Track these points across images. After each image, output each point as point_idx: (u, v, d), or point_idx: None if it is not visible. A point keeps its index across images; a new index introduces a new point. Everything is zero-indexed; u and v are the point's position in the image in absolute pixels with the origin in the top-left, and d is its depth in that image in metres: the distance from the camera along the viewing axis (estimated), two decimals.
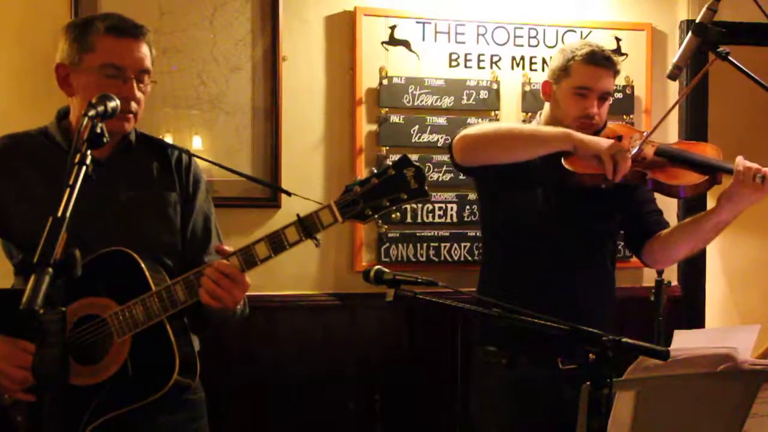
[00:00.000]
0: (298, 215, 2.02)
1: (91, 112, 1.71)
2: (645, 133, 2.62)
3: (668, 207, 3.13)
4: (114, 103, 1.80)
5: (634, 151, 2.48)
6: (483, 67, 3.50)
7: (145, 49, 2.14)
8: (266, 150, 3.32)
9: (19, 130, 3.11)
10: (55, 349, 1.39)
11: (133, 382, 2.01)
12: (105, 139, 1.67)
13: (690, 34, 2.46)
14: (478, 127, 2.64)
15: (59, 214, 1.50)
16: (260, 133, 3.32)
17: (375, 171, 2.05)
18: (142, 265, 2.03)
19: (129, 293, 2.01)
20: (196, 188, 2.28)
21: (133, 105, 2.10)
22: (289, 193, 2.24)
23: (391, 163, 2.02)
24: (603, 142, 2.45)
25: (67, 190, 1.55)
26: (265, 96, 3.31)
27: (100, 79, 2.07)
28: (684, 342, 1.92)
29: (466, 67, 3.48)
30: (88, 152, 1.62)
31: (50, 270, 1.38)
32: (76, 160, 1.59)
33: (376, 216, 2.01)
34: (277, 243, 2.01)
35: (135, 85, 2.09)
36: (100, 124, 1.67)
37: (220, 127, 3.28)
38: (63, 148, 2.16)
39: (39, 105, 3.16)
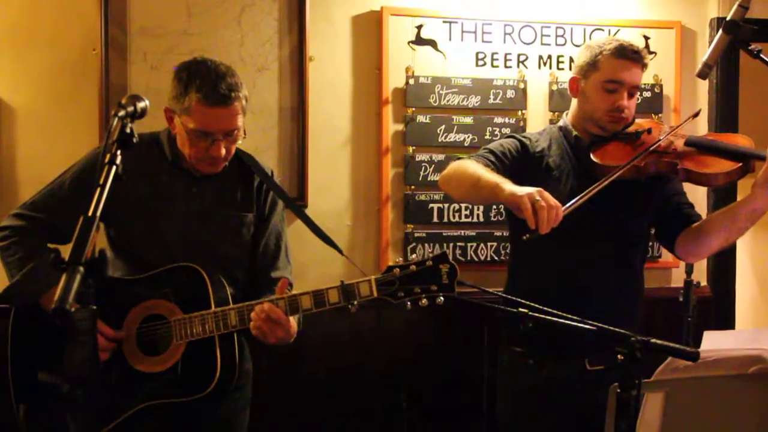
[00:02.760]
0: (342, 281, 2.19)
1: (121, 113, 1.72)
2: (671, 127, 2.62)
3: (698, 201, 3.10)
4: (143, 104, 1.82)
5: (663, 141, 2.48)
6: (510, 67, 3.49)
7: (235, 111, 2.26)
8: (293, 150, 3.33)
9: (51, 129, 3.19)
10: (86, 346, 1.41)
11: (180, 380, 2.23)
12: (135, 139, 1.69)
13: (720, 31, 2.43)
14: (451, 168, 2.58)
15: (89, 213, 1.51)
16: (287, 133, 3.34)
17: (417, 259, 2.18)
18: (208, 284, 2.27)
19: (193, 305, 2.26)
20: (273, 210, 2.47)
21: (222, 158, 2.29)
22: (341, 252, 2.41)
23: (431, 256, 2.17)
24: (522, 191, 2.29)
25: (98, 190, 1.56)
26: (292, 96, 3.33)
27: (191, 137, 2.26)
28: (714, 343, 1.90)
29: (492, 66, 3.47)
30: (118, 152, 1.64)
31: (81, 269, 1.40)
32: (107, 159, 1.61)
33: (407, 300, 2.15)
34: (319, 300, 2.19)
35: (222, 144, 2.26)
36: (129, 125, 1.69)
37: (247, 127, 3.24)
38: (167, 158, 2.36)
39: (69, 105, 3.23)
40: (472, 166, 2.49)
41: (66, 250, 1.60)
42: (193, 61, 2.32)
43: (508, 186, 2.34)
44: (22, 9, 3.18)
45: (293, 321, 2.23)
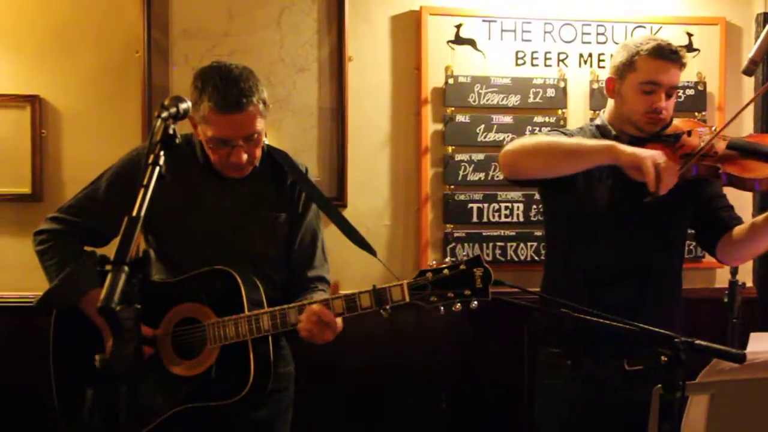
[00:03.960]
0: (374, 286, 2.16)
1: (164, 114, 1.73)
2: (713, 128, 2.55)
3: (743, 204, 3.05)
4: (185, 105, 1.83)
5: (707, 145, 2.41)
6: (550, 65, 3.46)
7: (250, 116, 2.22)
8: (332, 150, 3.35)
9: (95, 130, 3.24)
10: (131, 344, 1.43)
11: (214, 384, 2.23)
12: (177, 140, 1.70)
13: (767, 27, 2.39)
14: (519, 141, 2.57)
15: (134, 214, 1.53)
16: (326, 133, 3.35)
17: (449, 262, 2.14)
18: (242, 288, 2.25)
19: (226, 309, 2.24)
20: (307, 208, 2.45)
21: (244, 163, 2.27)
22: (374, 254, 2.35)
23: (464, 259, 2.12)
24: (645, 153, 2.34)
25: (141, 190, 1.58)
26: (331, 96, 3.34)
27: (211, 144, 2.26)
28: (760, 345, 1.87)
29: (532, 65, 3.46)
30: (161, 153, 1.65)
31: (126, 269, 1.41)
32: (150, 160, 1.62)
33: (440, 305, 2.11)
34: (351, 304, 2.17)
35: (242, 150, 2.25)
36: (172, 126, 1.70)
37: (287, 128, 3.32)
38: (199, 160, 2.36)
39: (112, 107, 3.28)
40: (553, 137, 2.47)
41: (103, 253, 1.63)
42: (207, 67, 2.29)
43: (625, 147, 2.34)
44: (67, 13, 3.24)
45: (339, 321, 2.22)
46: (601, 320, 2.01)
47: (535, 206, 3.43)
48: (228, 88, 2.19)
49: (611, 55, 2.69)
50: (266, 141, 2.37)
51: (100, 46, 3.26)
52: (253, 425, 2.37)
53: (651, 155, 2.31)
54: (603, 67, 3.46)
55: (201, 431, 2.32)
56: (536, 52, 3.45)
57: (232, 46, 3.28)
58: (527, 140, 2.54)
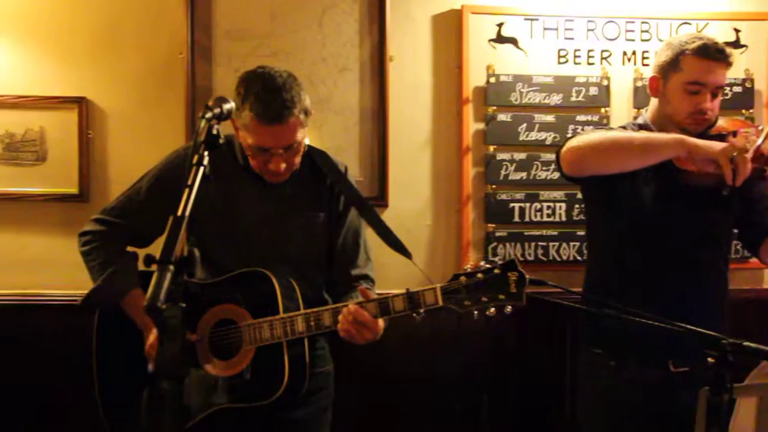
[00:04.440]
0: (407, 289, 2.16)
1: (208, 115, 1.75)
2: (760, 128, 2.49)
3: None
4: (229, 106, 1.86)
5: (755, 147, 2.36)
6: (593, 63, 3.43)
7: (291, 127, 2.22)
8: (374, 149, 3.35)
9: (140, 131, 3.29)
10: (177, 342, 1.45)
11: (249, 385, 2.25)
12: (221, 141, 1.72)
13: None
14: (585, 137, 2.51)
15: (179, 213, 1.55)
16: (368, 132, 3.36)
17: (484, 266, 2.14)
18: (277, 290, 2.26)
19: (262, 310, 2.26)
20: (348, 206, 2.45)
21: (282, 171, 2.29)
22: (409, 256, 2.36)
23: (498, 263, 2.11)
24: (718, 145, 2.32)
25: (186, 190, 1.60)
26: (372, 96, 3.35)
27: (251, 151, 2.28)
28: None
29: (575, 63, 3.42)
30: (205, 153, 1.67)
31: (172, 268, 1.43)
32: (195, 161, 1.64)
33: (473, 309, 2.11)
34: (384, 307, 2.19)
35: (281, 158, 2.26)
36: (216, 126, 1.72)
37: (328, 127, 3.33)
38: (239, 161, 2.37)
39: (157, 107, 3.32)
40: (617, 132, 2.44)
41: (144, 254, 1.65)
42: (251, 73, 2.28)
43: (696, 140, 2.32)
44: (114, 16, 3.29)
45: (381, 322, 2.22)
46: (647, 321, 1.99)
47: (577, 206, 3.40)
48: (270, 99, 2.18)
49: (655, 53, 2.65)
50: (306, 141, 2.38)
51: (145, 48, 3.30)
52: (291, 425, 2.38)
53: (724, 147, 2.27)
54: (647, 65, 3.41)
55: (238, 431, 2.34)
56: (579, 50, 3.42)
57: (275, 47, 3.30)
58: (591, 136, 2.49)
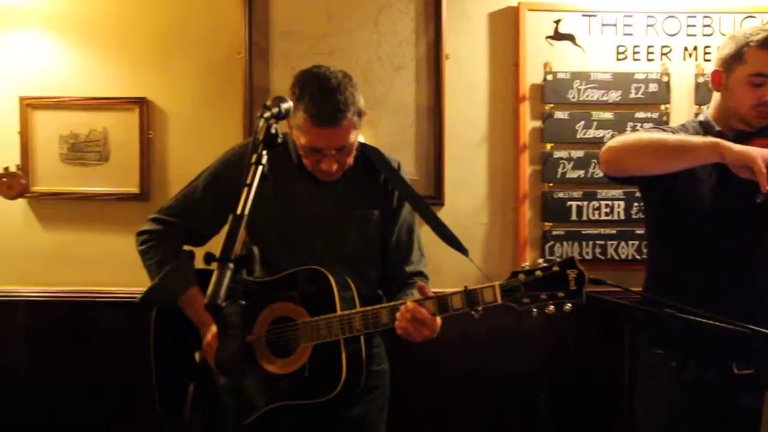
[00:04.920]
0: (465, 287, 2.14)
1: (266, 114, 1.77)
2: None
3: None
4: (287, 105, 1.87)
5: None
6: (652, 59, 3.37)
7: (344, 129, 2.23)
8: (429, 148, 3.35)
9: (199, 130, 3.34)
10: (236, 340, 1.46)
11: (307, 383, 2.25)
12: (279, 140, 1.74)
13: None
14: (622, 138, 2.49)
15: (238, 212, 1.57)
16: (424, 131, 3.36)
17: (543, 263, 2.11)
18: (334, 287, 2.27)
19: (319, 308, 2.27)
20: (401, 203, 2.44)
21: (333, 171, 2.30)
22: (466, 253, 2.34)
23: (558, 260, 2.09)
24: (755, 150, 2.25)
25: (245, 189, 1.61)
26: (428, 94, 3.35)
27: (303, 150, 2.30)
28: None
29: (634, 59, 3.37)
30: (264, 153, 1.68)
31: (231, 266, 1.45)
32: (253, 160, 1.66)
33: (532, 306, 2.09)
34: (443, 305, 2.17)
35: (333, 159, 2.27)
36: (274, 126, 1.74)
37: (384, 126, 3.34)
38: (293, 159, 2.38)
39: (215, 107, 3.38)
40: (655, 134, 2.40)
41: (201, 252, 1.68)
42: (306, 73, 2.28)
43: (732, 144, 2.27)
44: (173, 18, 3.36)
45: (438, 319, 2.20)
46: (710, 321, 1.95)
47: (636, 204, 3.35)
48: (324, 101, 2.19)
49: (718, 47, 2.59)
50: (360, 138, 2.38)
51: (204, 49, 3.36)
52: (348, 423, 2.38)
53: (761, 153, 2.21)
54: (709, 61, 3.34)
55: (295, 428, 2.35)
56: (638, 46, 3.37)
57: (331, 46, 3.32)
58: (628, 137, 2.48)
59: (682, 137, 2.41)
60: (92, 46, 3.36)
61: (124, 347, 3.22)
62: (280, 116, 1.84)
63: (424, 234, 2.51)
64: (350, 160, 2.33)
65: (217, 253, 1.48)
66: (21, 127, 3.33)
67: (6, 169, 1.69)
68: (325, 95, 2.19)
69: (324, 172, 2.30)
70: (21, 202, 3.33)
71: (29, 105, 3.34)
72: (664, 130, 2.53)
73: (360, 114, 2.26)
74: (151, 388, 2.42)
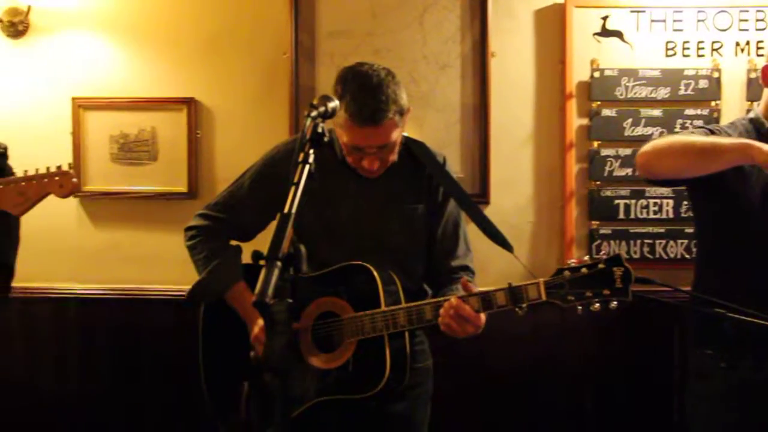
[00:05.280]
0: (509, 284, 2.13)
1: (313, 113, 1.78)
2: None
3: None
4: (333, 104, 1.88)
5: None
6: (702, 55, 3.32)
7: (386, 129, 2.21)
8: (475, 146, 3.34)
9: (245, 129, 3.38)
10: (284, 337, 1.47)
11: (351, 378, 2.25)
12: (325, 138, 1.74)
13: None
14: (656, 141, 2.46)
15: (286, 210, 1.57)
16: (469, 129, 3.35)
17: (588, 260, 2.09)
18: (379, 283, 2.26)
19: (363, 303, 2.27)
20: (447, 197, 2.43)
21: (375, 169, 2.30)
22: (511, 250, 2.33)
23: (604, 257, 2.07)
24: None
25: (293, 188, 1.62)
26: (474, 92, 3.34)
27: (345, 148, 2.30)
28: None
29: (683, 55, 3.32)
30: (311, 151, 1.69)
31: (279, 263, 1.46)
32: (300, 158, 1.67)
33: (577, 304, 2.07)
34: (486, 302, 2.16)
35: (375, 157, 2.27)
36: (321, 124, 1.74)
37: (429, 125, 3.34)
38: (337, 155, 2.38)
39: (262, 106, 3.41)
40: (692, 136, 2.37)
41: (247, 248, 1.69)
42: (348, 70, 2.27)
43: (763, 145, 2.22)
44: (221, 18, 3.40)
45: (483, 316, 2.20)
46: (761, 321, 1.92)
47: (685, 202, 3.30)
48: (365, 100, 2.17)
49: None
50: (405, 133, 2.38)
51: (251, 49, 3.39)
52: (391, 418, 2.38)
53: None
54: (762, 55, 3.28)
55: (339, 423, 2.36)
56: (688, 41, 3.32)
57: (376, 45, 3.33)
58: (661, 140, 2.45)
59: (714, 139, 2.37)
60: (142, 47, 3.41)
61: (174, 343, 3.27)
62: (326, 115, 1.84)
63: (470, 231, 2.50)
64: (393, 158, 2.33)
65: (265, 250, 1.49)
66: (73, 128, 3.40)
67: (58, 167, 1.72)
68: (365, 94, 2.18)
69: (366, 170, 2.31)
70: (73, 202, 3.41)
71: (81, 106, 3.40)
72: (711, 131, 2.49)
73: (402, 112, 2.24)
74: (200, 385, 2.45)
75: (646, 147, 2.48)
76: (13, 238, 2.01)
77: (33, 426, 3.46)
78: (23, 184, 1.73)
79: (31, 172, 1.82)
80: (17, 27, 3.33)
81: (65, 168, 1.74)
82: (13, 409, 3.41)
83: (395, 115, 2.21)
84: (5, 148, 2.05)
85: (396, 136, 2.26)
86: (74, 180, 1.75)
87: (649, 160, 2.45)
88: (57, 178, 1.73)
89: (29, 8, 3.34)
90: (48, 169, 1.74)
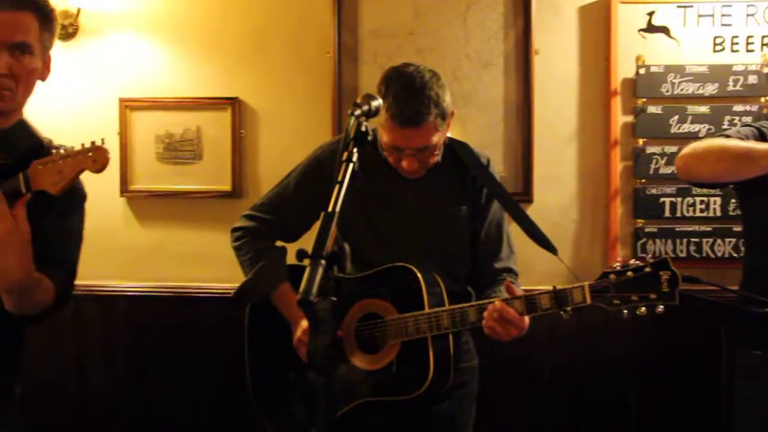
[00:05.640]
0: (554, 287, 2.12)
1: (357, 112, 1.78)
2: None
3: None
4: (377, 103, 1.88)
5: None
6: (752, 50, 3.26)
7: (426, 130, 2.21)
8: (518, 145, 3.32)
9: (289, 128, 3.40)
10: (327, 336, 1.48)
11: (394, 379, 2.26)
12: (369, 137, 1.74)
13: None
14: (696, 144, 2.45)
15: (330, 209, 1.58)
16: (512, 127, 3.33)
17: (634, 263, 2.07)
18: (423, 285, 2.26)
19: (407, 305, 2.27)
20: (491, 198, 2.42)
21: (414, 170, 2.30)
22: (555, 252, 2.31)
23: (650, 261, 2.05)
24: None
25: (337, 186, 1.63)
26: (517, 90, 3.32)
27: (386, 148, 2.30)
28: None
29: (732, 51, 3.27)
30: (355, 150, 1.69)
31: (323, 262, 1.46)
32: (344, 157, 1.67)
33: (623, 308, 2.05)
34: (531, 305, 2.16)
35: (415, 159, 2.27)
36: (365, 123, 1.74)
37: (473, 123, 3.33)
38: (381, 155, 2.37)
39: (305, 106, 3.43)
40: (729, 141, 2.35)
41: (292, 248, 1.69)
42: (393, 71, 2.26)
43: None
44: (264, 19, 3.43)
45: (527, 318, 2.19)
46: None
47: (733, 200, 3.24)
48: (406, 101, 2.17)
49: None
50: (448, 134, 2.37)
51: (294, 49, 3.42)
52: (436, 419, 2.38)
53: None
54: None
55: (383, 424, 2.36)
56: (737, 36, 3.26)
57: (418, 44, 3.33)
58: (700, 144, 2.42)
59: (750, 144, 2.34)
60: (187, 48, 3.45)
61: (220, 342, 3.30)
62: (370, 114, 1.84)
63: (513, 231, 2.48)
64: (433, 160, 2.33)
65: (310, 249, 1.50)
66: (120, 128, 3.46)
67: (92, 143, 1.74)
68: (407, 95, 2.18)
69: (405, 171, 2.31)
70: (120, 201, 3.47)
71: (128, 106, 3.46)
72: (758, 129, 2.45)
73: (444, 115, 2.23)
74: (246, 384, 2.48)
75: (685, 151, 2.46)
76: (75, 238, 2.07)
77: (82, 424, 3.52)
78: (60, 162, 1.76)
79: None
80: (67, 29, 3.40)
81: (98, 143, 1.76)
82: (63, 406, 3.48)
83: (436, 118, 2.20)
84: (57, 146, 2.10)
85: (437, 139, 2.25)
86: (107, 155, 1.76)
87: (688, 165, 2.44)
88: (90, 153, 1.75)
89: (79, 11, 3.41)
90: (83, 145, 1.76)
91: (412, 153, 2.26)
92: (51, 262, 1.91)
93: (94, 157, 1.74)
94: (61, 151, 1.77)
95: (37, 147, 2.00)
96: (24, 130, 2.02)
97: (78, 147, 1.77)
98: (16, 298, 1.84)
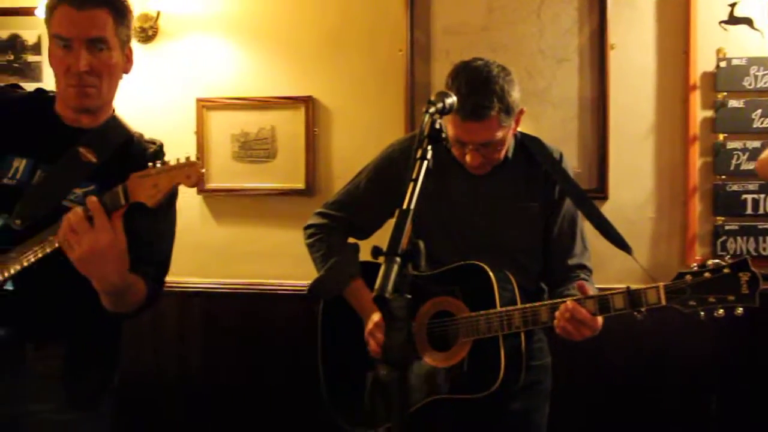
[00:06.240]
0: (628, 287, 2.09)
1: (431, 109, 1.78)
2: None
3: None
4: (451, 100, 1.87)
5: None
6: None
7: (489, 125, 2.18)
8: (593, 141, 3.27)
9: (361, 127, 3.42)
10: (402, 332, 1.48)
11: (466, 377, 2.26)
12: (443, 135, 1.74)
13: None
14: None
15: (404, 206, 1.58)
16: (587, 124, 3.28)
17: (711, 264, 2.02)
18: (494, 284, 2.25)
19: (479, 303, 2.26)
20: (563, 194, 2.39)
21: (477, 166, 2.28)
22: (629, 252, 2.28)
23: (728, 261, 2.00)
24: None
25: (411, 184, 1.63)
26: (592, 86, 3.27)
27: (451, 141, 2.28)
28: None
29: None
30: (429, 147, 1.69)
31: (398, 259, 1.47)
32: (419, 155, 1.67)
33: (699, 309, 2.01)
34: (603, 305, 2.13)
35: (478, 153, 2.25)
36: (439, 121, 1.74)
37: (546, 120, 3.29)
38: (450, 153, 2.35)
39: (377, 104, 3.44)
40: None
41: (365, 245, 1.70)
42: (461, 65, 2.25)
43: None
44: (339, 18, 3.46)
45: (600, 319, 2.16)
46: None
47: None
48: (469, 94, 2.15)
49: None
50: (519, 130, 2.35)
51: (368, 47, 3.43)
52: (508, 417, 2.37)
53: None
54: None
55: (454, 421, 2.36)
56: None
57: (492, 40, 3.31)
58: None
59: None
60: (262, 49, 3.50)
61: (294, 337, 3.34)
62: (444, 111, 1.83)
63: (587, 228, 2.45)
64: (498, 156, 2.31)
65: (384, 247, 1.50)
66: (197, 127, 3.53)
67: (187, 158, 1.81)
68: (471, 88, 2.16)
69: (469, 165, 2.29)
70: (197, 198, 3.54)
71: (204, 106, 3.53)
72: None
73: (509, 111, 2.20)
74: (317, 378, 2.50)
75: (764, 155, 2.41)
76: (167, 236, 2.18)
77: (158, 418, 3.61)
78: (156, 175, 1.83)
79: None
80: (147, 32, 3.49)
81: (193, 159, 1.83)
82: (140, 399, 3.55)
83: (500, 113, 2.17)
84: (161, 145, 2.17)
85: (501, 134, 2.22)
86: (202, 170, 1.84)
87: (764, 168, 2.42)
88: (185, 168, 1.81)
89: (158, 14, 3.49)
90: (178, 160, 1.83)
91: (475, 148, 2.24)
92: (143, 262, 2.01)
93: (188, 173, 1.81)
94: (158, 164, 1.84)
95: (127, 141, 2.08)
96: (115, 127, 2.10)
97: (173, 161, 1.84)
98: (112, 299, 1.95)
